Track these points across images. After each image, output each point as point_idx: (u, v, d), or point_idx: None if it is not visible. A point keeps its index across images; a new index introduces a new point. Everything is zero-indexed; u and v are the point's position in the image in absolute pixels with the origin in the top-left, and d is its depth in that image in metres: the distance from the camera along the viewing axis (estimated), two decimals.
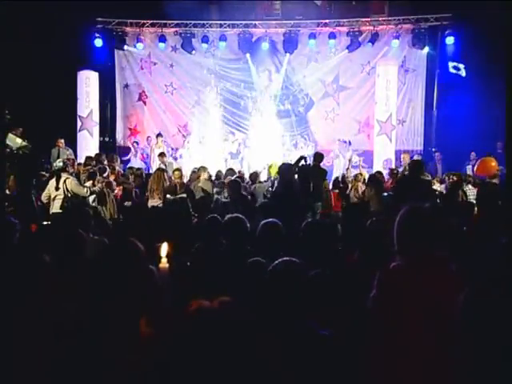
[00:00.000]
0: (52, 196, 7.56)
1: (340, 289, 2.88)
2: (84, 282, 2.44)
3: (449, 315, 2.05)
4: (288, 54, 14.69)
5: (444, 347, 2.02)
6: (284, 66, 14.91)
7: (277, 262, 2.36)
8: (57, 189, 7.51)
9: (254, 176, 9.88)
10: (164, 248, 1.93)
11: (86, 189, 7.77)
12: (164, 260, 1.92)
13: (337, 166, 13.58)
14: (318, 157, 9.17)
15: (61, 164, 8.34)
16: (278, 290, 2.25)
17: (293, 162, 8.00)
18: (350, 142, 13.83)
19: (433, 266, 2.11)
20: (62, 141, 12.06)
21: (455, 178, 8.67)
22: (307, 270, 2.49)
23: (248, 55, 14.72)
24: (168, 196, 8.14)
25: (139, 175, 10.09)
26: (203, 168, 9.35)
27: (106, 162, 10.15)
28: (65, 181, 7.53)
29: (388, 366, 2.10)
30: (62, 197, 7.46)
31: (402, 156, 12.77)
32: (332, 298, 2.75)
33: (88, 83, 13.70)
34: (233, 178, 8.55)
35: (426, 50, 14.09)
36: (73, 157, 11.38)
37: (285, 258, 2.38)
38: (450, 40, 13.44)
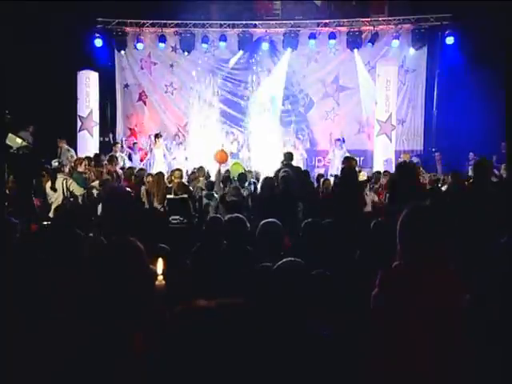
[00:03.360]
0: (51, 198, 7.30)
1: (341, 289, 2.88)
2: (82, 281, 2.43)
3: (450, 315, 2.05)
4: (288, 54, 14.69)
5: (445, 347, 2.02)
6: (284, 65, 14.91)
7: (281, 262, 2.35)
8: (54, 190, 7.26)
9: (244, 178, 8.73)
10: (160, 265, 1.91)
11: (83, 189, 7.54)
12: (160, 277, 1.90)
13: (331, 165, 13.59)
14: (290, 156, 8.46)
15: (56, 164, 8.20)
16: (282, 289, 2.24)
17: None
18: (343, 140, 13.79)
19: (434, 266, 2.11)
20: (64, 141, 12.02)
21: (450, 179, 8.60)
22: (310, 271, 2.49)
23: (247, 55, 14.73)
24: (168, 196, 8.11)
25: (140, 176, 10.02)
26: (202, 168, 9.33)
27: (105, 163, 10.09)
28: (65, 181, 7.30)
29: (389, 366, 2.09)
30: (61, 198, 7.21)
31: (401, 156, 12.78)
32: (333, 298, 2.75)
33: (88, 83, 13.70)
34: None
35: (426, 50, 14.09)
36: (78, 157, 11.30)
37: (289, 258, 2.38)
38: (450, 40, 13.46)
